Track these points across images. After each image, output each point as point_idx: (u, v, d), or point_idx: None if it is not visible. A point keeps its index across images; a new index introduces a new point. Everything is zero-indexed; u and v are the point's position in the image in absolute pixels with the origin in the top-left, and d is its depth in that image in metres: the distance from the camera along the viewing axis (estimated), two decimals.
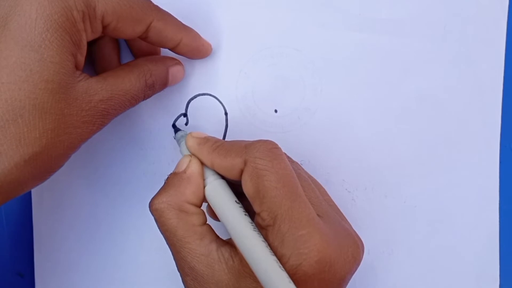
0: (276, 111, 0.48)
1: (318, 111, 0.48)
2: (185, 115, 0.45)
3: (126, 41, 0.47)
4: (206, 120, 0.47)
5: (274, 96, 0.48)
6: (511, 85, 0.48)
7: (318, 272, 0.34)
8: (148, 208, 0.46)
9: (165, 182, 0.40)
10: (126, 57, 0.47)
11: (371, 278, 0.48)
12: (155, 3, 0.41)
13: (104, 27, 0.38)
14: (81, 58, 0.38)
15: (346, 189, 0.48)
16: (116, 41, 0.46)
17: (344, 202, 0.47)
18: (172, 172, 0.40)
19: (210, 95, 0.46)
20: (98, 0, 0.36)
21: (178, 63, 0.46)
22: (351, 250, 0.37)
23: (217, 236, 0.38)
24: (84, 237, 0.49)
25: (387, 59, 0.48)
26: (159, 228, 0.38)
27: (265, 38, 0.48)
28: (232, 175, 0.38)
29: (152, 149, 0.48)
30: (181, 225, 0.37)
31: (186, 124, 0.45)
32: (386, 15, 0.48)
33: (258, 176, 0.36)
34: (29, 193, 0.49)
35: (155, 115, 0.48)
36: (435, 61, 0.48)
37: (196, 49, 0.45)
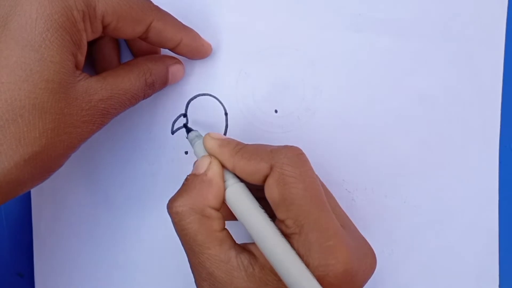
0: (276, 111, 0.48)
1: (318, 111, 0.48)
2: (185, 115, 0.45)
3: (126, 41, 0.47)
4: (206, 120, 0.47)
5: (274, 96, 0.48)
6: (511, 85, 0.48)
7: (341, 282, 0.34)
8: (147, 209, 0.47)
9: (184, 184, 0.39)
10: (126, 57, 0.47)
11: (371, 277, 0.48)
12: (155, 4, 0.41)
13: (104, 27, 0.38)
14: (81, 58, 0.38)
15: (346, 189, 0.48)
16: (116, 41, 0.46)
17: (344, 202, 0.47)
18: (191, 173, 0.39)
19: (210, 95, 0.46)
20: (98, 0, 0.37)
21: (178, 62, 0.46)
22: (369, 260, 0.38)
23: (235, 242, 0.38)
24: (83, 237, 0.49)
25: (387, 59, 0.48)
26: (176, 231, 0.38)
27: (265, 38, 0.48)
28: (254, 180, 0.37)
29: (152, 149, 0.48)
30: (202, 230, 0.36)
31: (186, 124, 0.45)
32: (386, 15, 0.48)
33: (285, 183, 0.35)
34: (29, 193, 0.49)
35: (155, 116, 0.48)
36: (435, 61, 0.48)
37: (196, 49, 0.45)
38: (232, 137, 0.45)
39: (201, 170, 0.38)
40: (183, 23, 0.43)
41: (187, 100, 0.45)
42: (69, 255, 0.49)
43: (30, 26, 0.34)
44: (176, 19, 0.43)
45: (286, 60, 0.48)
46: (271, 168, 0.36)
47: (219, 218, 0.37)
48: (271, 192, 0.36)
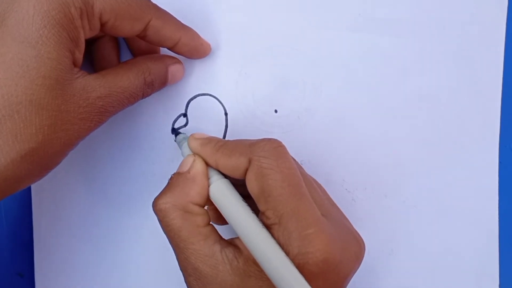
0: (276, 111, 0.48)
1: (318, 111, 0.48)
2: (185, 115, 0.45)
3: (126, 40, 0.47)
4: (206, 120, 0.47)
5: (274, 96, 0.48)
6: (510, 85, 0.48)
7: (323, 271, 0.34)
8: (147, 208, 0.46)
9: (168, 182, 0.39)
10: (126, 56, 0.48)
11: (370, 277, 0.48)
12: (154, 2, 0.41)
13: (102, 25, 0.38)
14: (79, 55, 0.38)
15: (346, 189, 0.48)
16: (116, 41, 0.46)
17: (344, 202, 0.47)
18: (175, 172, 0.40)
19: (210, 95, 0.46)
20: None
21: (178, 62, 0.46)
22: (354, 249, 0.37)
23: (221, 237, 0.38)
24: (83, 237, 0.49)
25: (387, 59, 0.48)
26: (162, 228, 0.38)
27: (265, 38, 0.48)
28: (237, 175, 0.38)
29: (152, 149, 0.48)
30: (186, 226, 0.37)
31: (186, 124, 0.45)
32: (386, 15, 0.48)
33: (263, 175, 0.36)
34: (29, 193, 0.49)
35: (155, 115, 0.48)
36: (435, 61, 0.48)
37: (194, 49, 0.45)
38: (232, 137, 0.45)
39: (185, 168, 0.39)
40: (183, 22, 0.43)
41: (187, 100, 0.45)
42: (69, 255, 0.49)
43: (27, 22, 0.34)
44: (175, 18, 0.43)
45: (286, 60, 0.48)
46: (250, 161, 0.37)
47: (203, 214, 0.38)
48: (251, 185, 0.36)
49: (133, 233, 0.48)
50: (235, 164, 0.37)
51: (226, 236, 0.38)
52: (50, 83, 0.35)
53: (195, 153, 0.40)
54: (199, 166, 0.39)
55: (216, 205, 0.38)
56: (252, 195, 0.37)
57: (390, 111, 0.48)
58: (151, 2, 0.41)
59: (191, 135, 0.41)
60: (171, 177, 0.40)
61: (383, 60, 0.48)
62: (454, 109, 0.48)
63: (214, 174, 0.39)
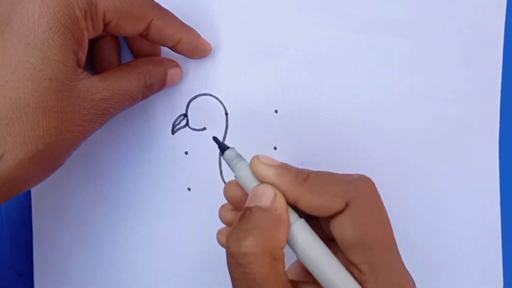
0: (276, 111, 0.48)
1: (318, 111, 0.48)
2: (185, 115, 0.45)
3: (127, 40, 0.47)
4: (206, 120, 0.47)
5: (274, 96, 0.48)
6: (510, 85, 0.48)
7: None
8: (146, 209, 0.47)
9: (248, 217, 0.33)
10: (127, 57, 0.47)
11: None
12: (156, 2, 0.41)
13: (106, 25, 0.38)
14: (83, 56, 0.38)
15: None
16: (117, 41, 0.46)
17: None
18: (253, 204, 0.34)
19: (211, 95, 0.46)
20: None
21: (176, 65, 0.46)
22: None
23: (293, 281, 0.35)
24: (83, 237, 0.49)
25: (387, 59, 0.48)
26: (236, 271, 0.32)
27: (265, 38, 0.48)
28: (321, 214, 0.34)
29: (152, 149, 0.48)
30: (272, 274, 0.31)
31: (187, 124, 0.45)
32: (386, 15, 0.48)
33: (362, 224, 0.33)
34: (29, 193, 0.49)
35: (156, 115, 0.48)
36: (434, 61, 0.48)
37: (195, 48, 0.45)
38: (232, 137, 0.45)
39: (266, 202, 0.33)
40: (184, 22, 0.44)
41: (188, 100, 0.45)
42: (68, 255, 0.49)
43: (33, 24, 0.34)
44: (177, 18, 0.43)
45: (286, 60, 0.48)
46: (347, 204, 0.33)
47: (284, 259, 0.33)
48: (345, 231, 0.33)
49: (132, 234, 0.48)
50: (325, 203, 0.33)
51: None
52: (56, 85, 0.35)
53: (267, 183, 0.34)
54: (283, 202, 0.34)
55: (295, 249, 0.34)
56: (341, 241, 0.33)
57: (390, 111, 0.48)
58: (154, 2, 0.41)
59: (257, 157, 0.35)
60: (251, 210, 0.33)
61: (383, 60, 0.48)
62: (454, 109, 0.48)
63: (291, 212, 0.34)
